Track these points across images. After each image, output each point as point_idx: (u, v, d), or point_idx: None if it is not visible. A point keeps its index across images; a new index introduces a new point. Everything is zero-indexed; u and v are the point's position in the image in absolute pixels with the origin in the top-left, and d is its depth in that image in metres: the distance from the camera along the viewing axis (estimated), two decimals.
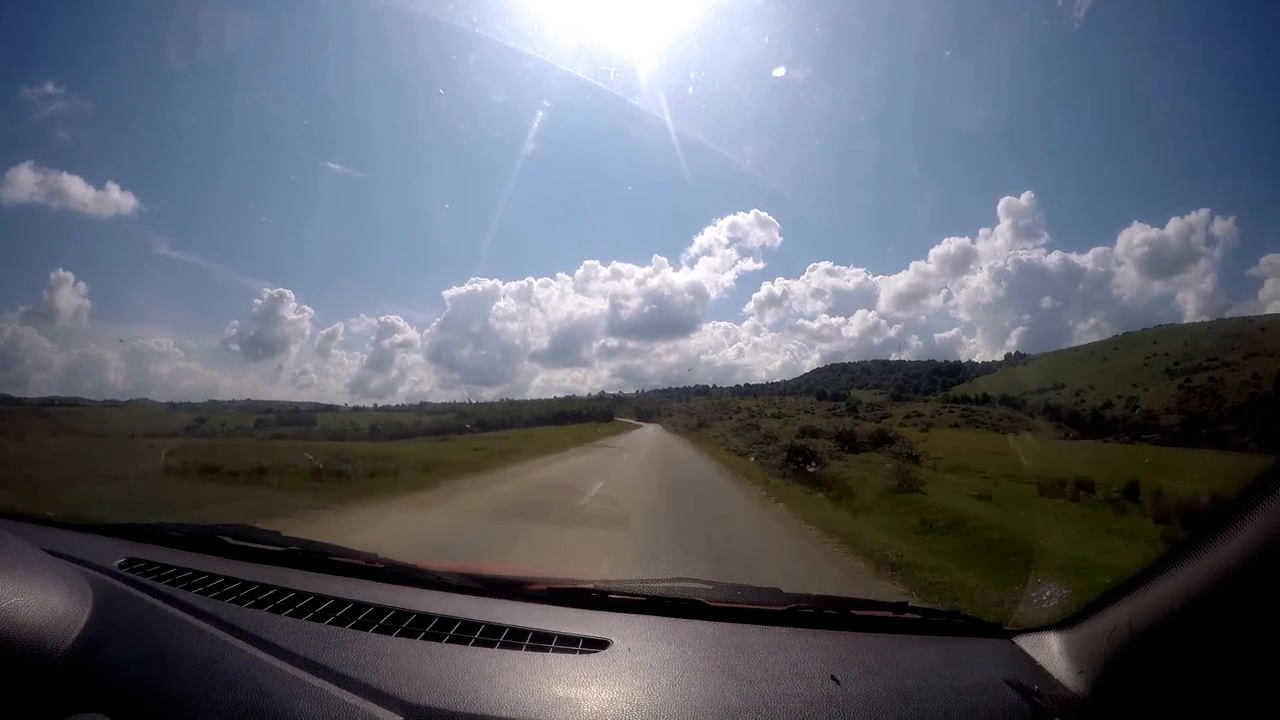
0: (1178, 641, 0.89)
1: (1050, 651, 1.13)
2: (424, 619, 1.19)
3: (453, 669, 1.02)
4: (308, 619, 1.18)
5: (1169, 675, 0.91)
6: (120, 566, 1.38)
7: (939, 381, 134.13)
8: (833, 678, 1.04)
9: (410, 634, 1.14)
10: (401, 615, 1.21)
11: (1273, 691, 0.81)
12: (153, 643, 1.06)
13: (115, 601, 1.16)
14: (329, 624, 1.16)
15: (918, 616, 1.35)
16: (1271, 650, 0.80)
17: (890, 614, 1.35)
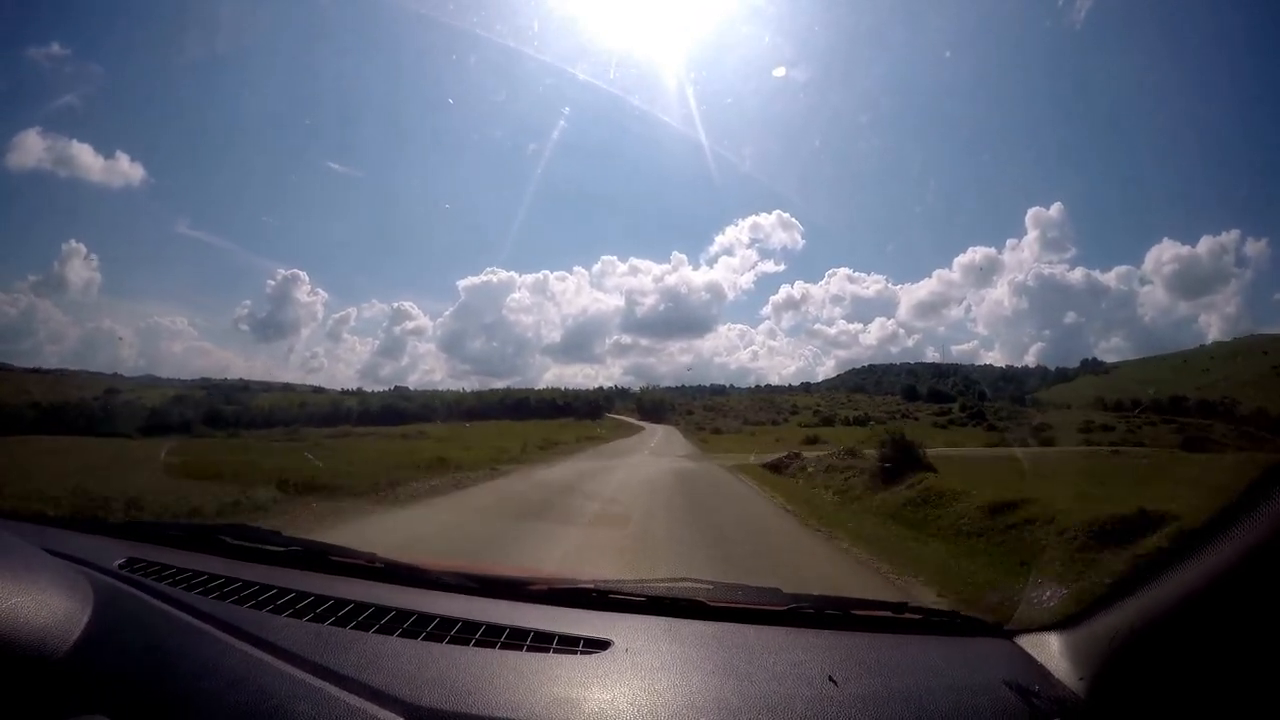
0: (1178, 642, 0.89)
1: (1050, 652, 1.12)
2: (425, 619, 1.19)
3: (454, 670, 1.02)
4: (308, 619, 1.17)
5: (1169, 676, 0.90)
6: (121, 566, 1.37)
7: (1005, 388, 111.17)
8: (830, 678, 1.04)
9: (411, 634, 1.14)
10: (402, 615, 1.20)
11: (1273, 693, 0.80)
12: (154, 643, 1.05)
13: (116, 602, 1.15)
14: (329, 624, 1.16)
15: (918, 616, 1.35)
16: (1271, 652, 0.79)
17: (890, 614, 1.35)
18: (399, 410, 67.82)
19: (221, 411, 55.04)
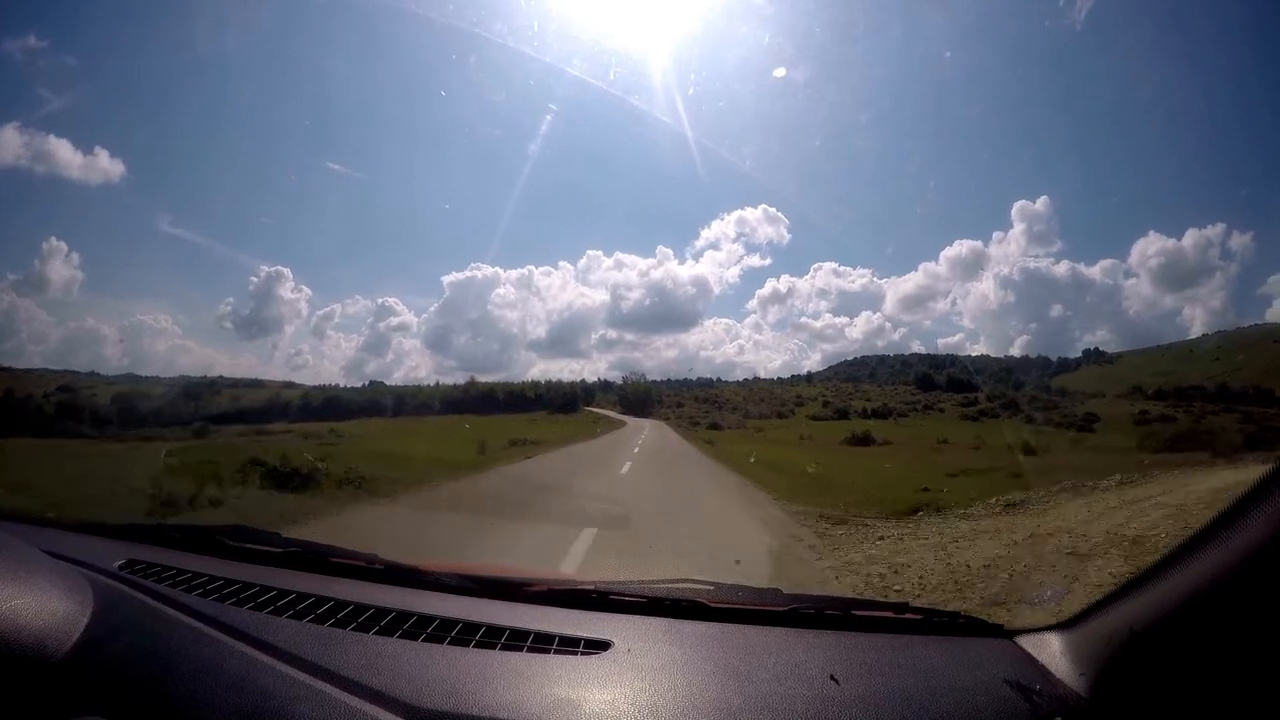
0: (1179, 642, 0.89)
1: (1051, 651, 1.12)
2: (425, 620, 1.19)
3: (454, 671, 1.02)
4: (308, 621, 1.17)
5: (1170, 676, 0.90)
6: (120, 568, 1.37)
7: (1008, 379, 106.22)
8: (831, 678, 1.04)
9: (411, 636, 1.14)
10: (403, 617, 1.20)
11: (1273, 692, 0.80)
12: (154, 645, 1.05)
13: (116, 603, 1.15)
14: (330, 626, 1.16)
15: (919, 616, 1.35)
16: (1272, 652, 0.79)
17: (891, 614, 1.35)
18: (345, 404, 61.29)
19: (139, 410, 48.23)
